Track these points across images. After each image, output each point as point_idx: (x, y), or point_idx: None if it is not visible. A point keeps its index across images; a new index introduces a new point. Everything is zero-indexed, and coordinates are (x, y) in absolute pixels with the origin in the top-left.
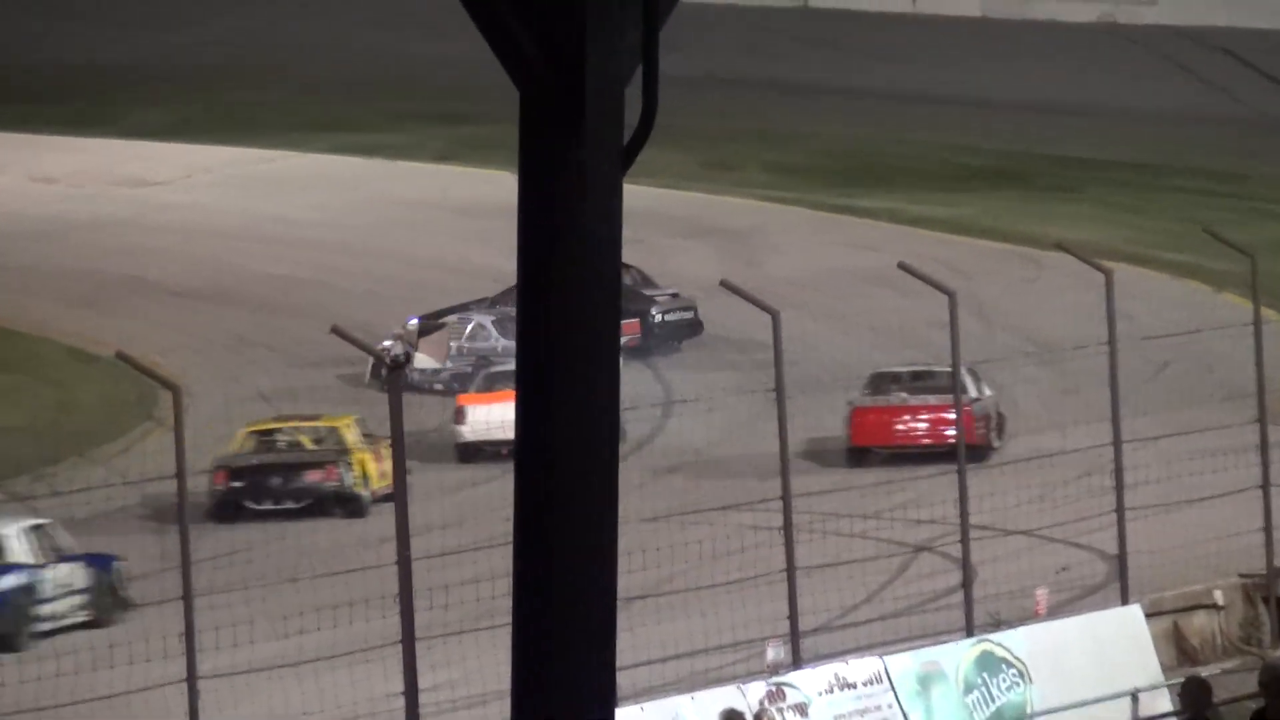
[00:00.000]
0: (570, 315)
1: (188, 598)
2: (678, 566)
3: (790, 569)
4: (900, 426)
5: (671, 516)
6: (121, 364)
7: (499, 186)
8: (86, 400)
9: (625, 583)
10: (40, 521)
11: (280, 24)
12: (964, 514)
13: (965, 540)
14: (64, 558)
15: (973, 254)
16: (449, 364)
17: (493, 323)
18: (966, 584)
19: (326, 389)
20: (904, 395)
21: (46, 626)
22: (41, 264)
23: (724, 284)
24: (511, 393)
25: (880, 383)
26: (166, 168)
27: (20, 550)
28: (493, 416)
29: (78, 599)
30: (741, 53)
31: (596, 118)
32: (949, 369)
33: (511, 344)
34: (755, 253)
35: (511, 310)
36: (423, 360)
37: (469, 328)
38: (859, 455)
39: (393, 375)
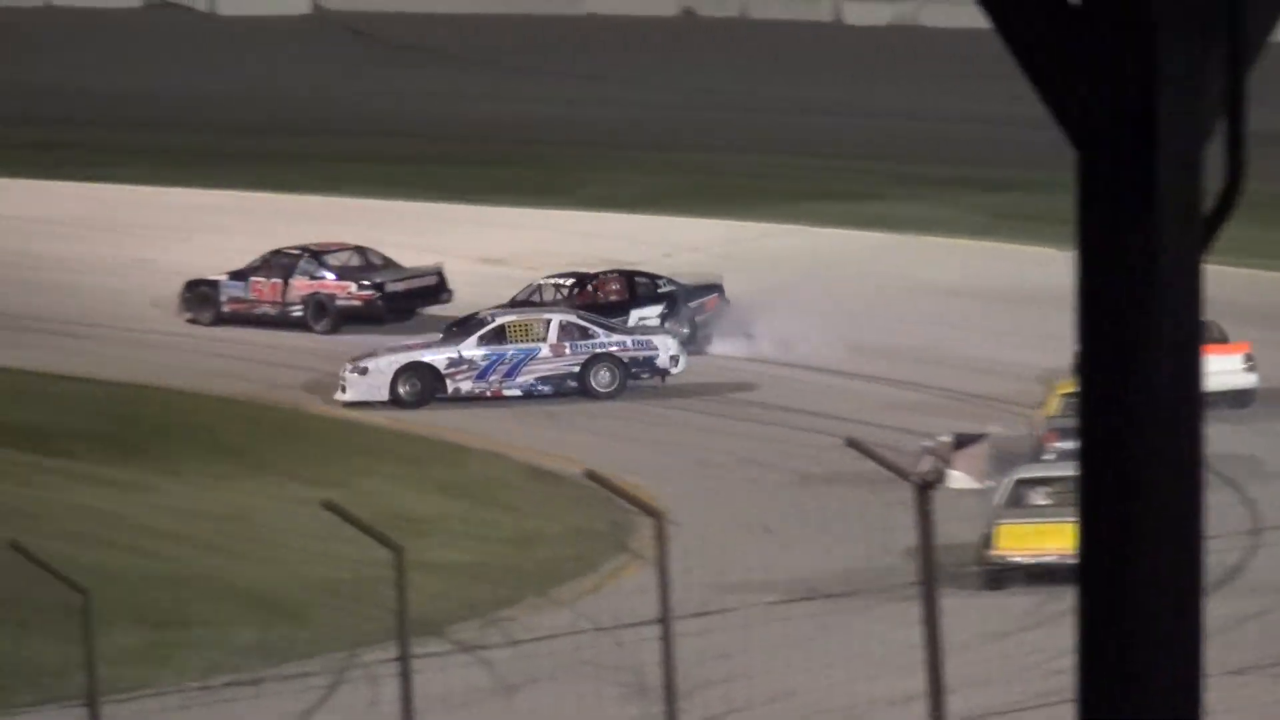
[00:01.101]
0: (1145, 421)
1: None
2: None
3: None
4: None
5: (1264, 668)
6: (591, 485)
7: (1045, 267)
8: (548, 529)
9: None
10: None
11: (750, 84)
12: None
13: None
14: None
15: None
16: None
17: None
18: None
19: (841, 507)
20: None
21: None
22: None
23: None
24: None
25: None
26: (642, 246)
27: None
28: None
29: None
30: None
31: (1172, 183)
32: None
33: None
34: None
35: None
36: (959, 480)
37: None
38: None
39: (924, 497)
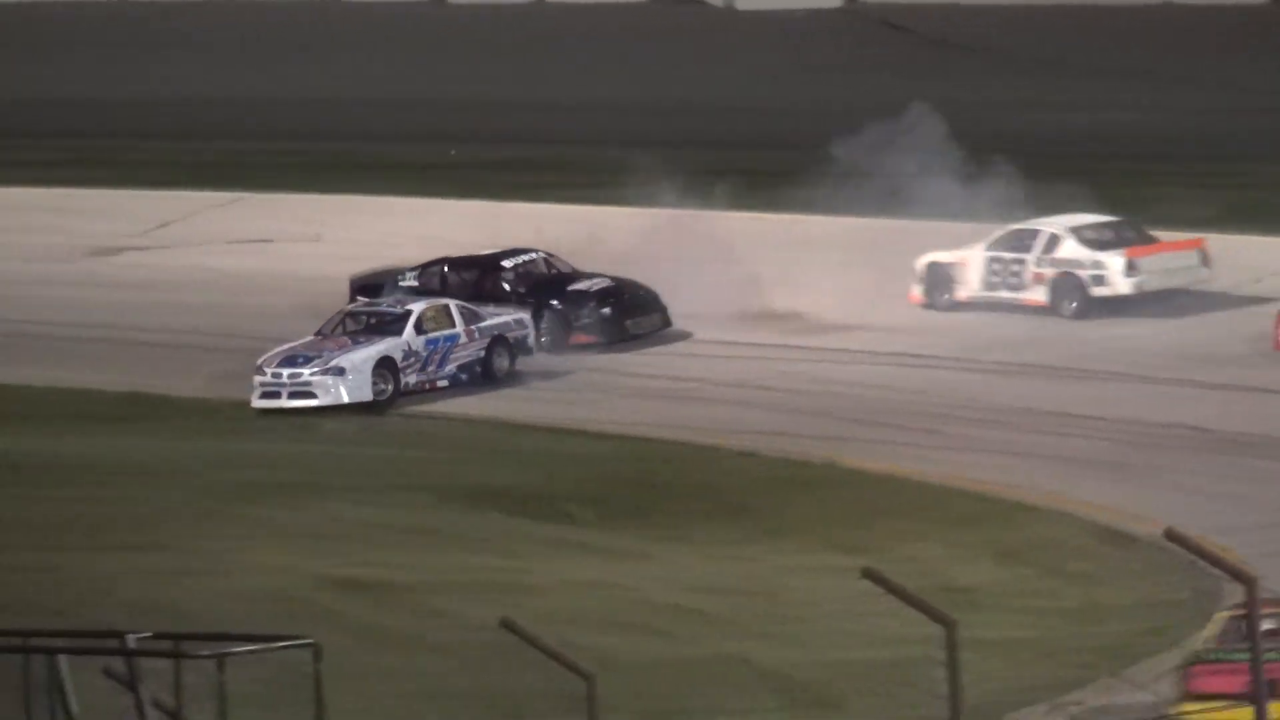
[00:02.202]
0: None
1: None
2: None
3: None
4: None
5: None
6: (1171, 548)
7: None
8: (1121, 600)
9: None
10: None
11: None
12: None
13: None
14: None
15: None
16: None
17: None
18: None
19: None
20: None
21: None
22: (1056, 407)
23: None
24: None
25: None
26: (1223, 269)
27: None
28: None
29: None
30: None
31: None
32: None
33: None
34: None
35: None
36: None
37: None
38: None
39: None
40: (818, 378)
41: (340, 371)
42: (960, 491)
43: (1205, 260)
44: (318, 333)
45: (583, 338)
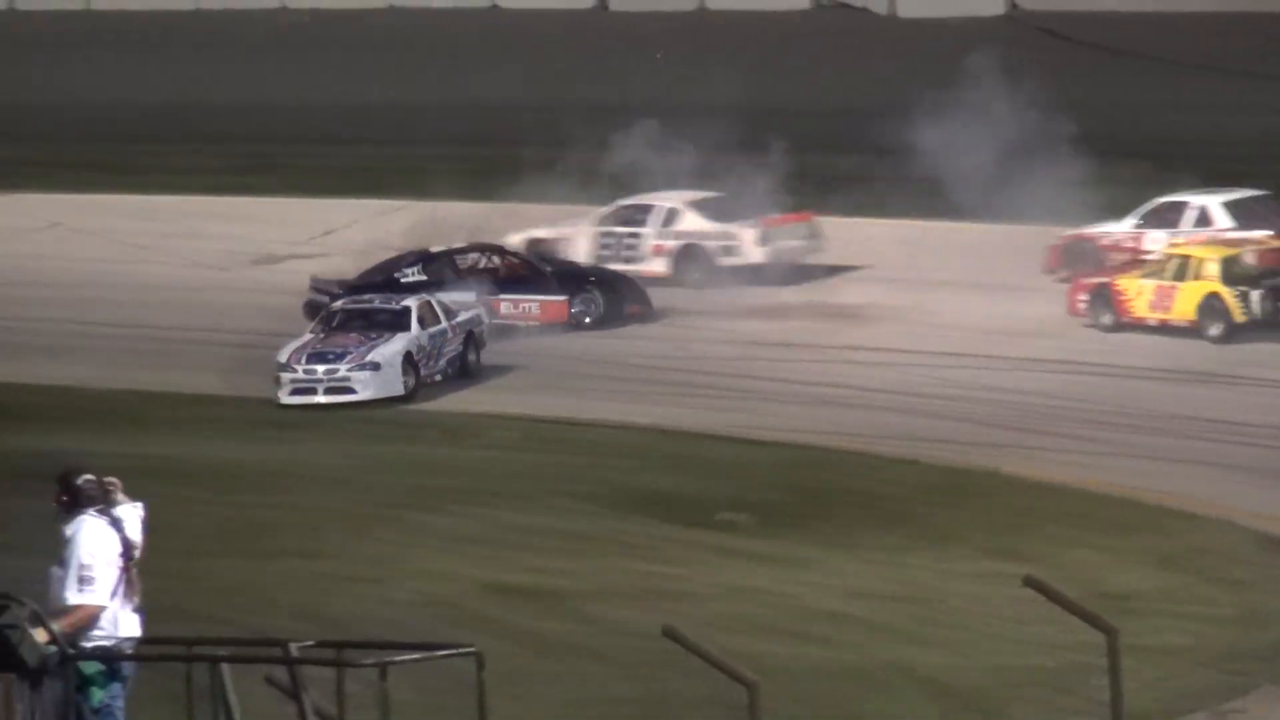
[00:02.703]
0: None
1: None
2: None
3: None
4: None
5: None
6: None
7: None
8: (1278, 606)
9: None
10: None
11: None
12: None
13: None
14: None
15: None
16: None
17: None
18: None
19: None
20: None
21: None
22: (1213, 414)
23: None
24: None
25: None
26: None
27: None
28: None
29: None
30: None
31: None
32: None
33: None
34: None
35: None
36: None
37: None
38: None
39: None
40: (971, 384)
41: (376, 366)
42: (1120, 499)
43: (814, 233)
44: (311, 331)
45: (636, 309)
